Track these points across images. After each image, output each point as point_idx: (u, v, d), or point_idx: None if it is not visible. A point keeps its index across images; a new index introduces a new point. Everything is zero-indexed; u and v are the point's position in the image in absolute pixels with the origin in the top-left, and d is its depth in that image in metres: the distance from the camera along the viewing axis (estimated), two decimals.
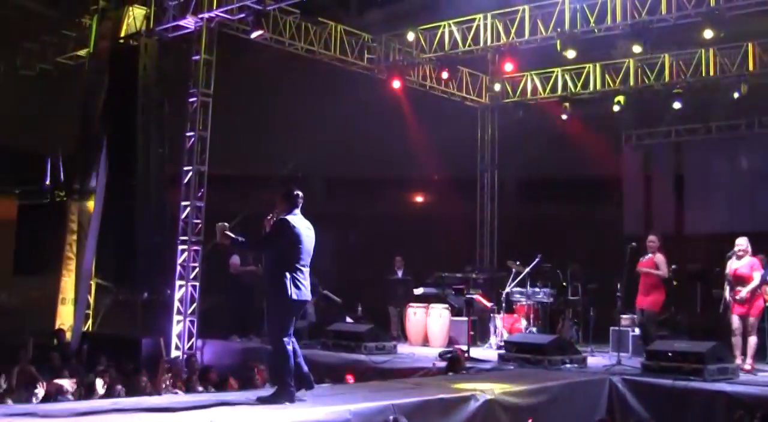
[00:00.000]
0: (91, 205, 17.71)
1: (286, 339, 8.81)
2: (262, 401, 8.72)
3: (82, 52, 18.71)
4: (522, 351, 13.63)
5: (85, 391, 10.94)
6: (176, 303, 15.79)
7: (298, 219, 8.92)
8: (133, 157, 15.77)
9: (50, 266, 18.76)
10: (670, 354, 12.07)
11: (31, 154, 20.99)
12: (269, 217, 8.94)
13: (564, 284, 17.11)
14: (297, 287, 8.79)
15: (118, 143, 16.39)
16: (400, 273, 18.98)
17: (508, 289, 16.71)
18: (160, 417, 7.99)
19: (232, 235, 8.80)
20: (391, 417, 8.10)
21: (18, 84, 20.62)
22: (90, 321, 18.02)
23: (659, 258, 14.02)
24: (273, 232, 8.87)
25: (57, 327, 17.77)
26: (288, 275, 8.74)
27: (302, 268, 8.87)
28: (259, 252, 8.69)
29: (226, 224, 8.73)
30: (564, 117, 20.39)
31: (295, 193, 9.04)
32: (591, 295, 16.35)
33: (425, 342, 17.35)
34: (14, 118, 20.39)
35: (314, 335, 16.23)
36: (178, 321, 15.79)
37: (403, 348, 16.20)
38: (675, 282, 15.10)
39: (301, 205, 9.02)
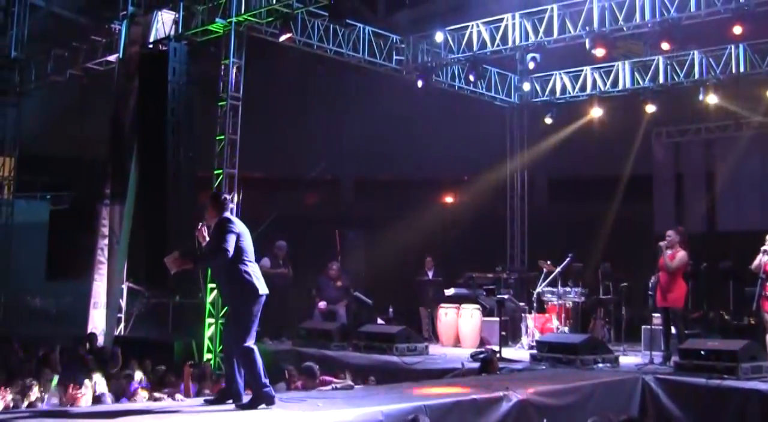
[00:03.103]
0: (122, 209, 17.81)
1: (251, 340, 8.49)
2: (241, 407, 8.46)
3: (112, 58, 18.83)
4: (554, 351, 13.58)
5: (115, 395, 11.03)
6: (208, 307, 15.85)
7: (234, 218, 8.73)
8: (163, 161, 15.82)
9: (82, 271, 18.88)
10: (702, 352, 11.98)
11: (63, 160, 21.20)
12: (200, 227, 8.59)
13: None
14: (258, 278, 8.60)
15: (149, 147, 16.46)
16: (430, 274, 18.97)
17: (539, 289, 16.67)
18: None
19: (183, 260, 8.46)
20: (410, 417, 8.04)
21: (49, 90, 20.79)
22: (122, 325, 18.15)
23: (680, 254, 13.86)
24: (221, 233, 8.49)
25: (89, 331, 17.88)
26: (246, 268, 8.53)
27: (253, 263, 8.66)
28: (222, 259, 8.42)
29: (176, 252, 8.44)
30: (594, 115, 20.32)
31: (224, 196, 8.92)
32: (622, 294, 16.23)
33: (457, 342, 17.31)
34: (45, 123, 20.58)
35: (345, 337, 16.22)
36: (210, 325, 15.85)
37: (434, 349, 16.14)
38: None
39: (230, 208, 8.86)
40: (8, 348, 14.95)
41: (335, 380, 11.42)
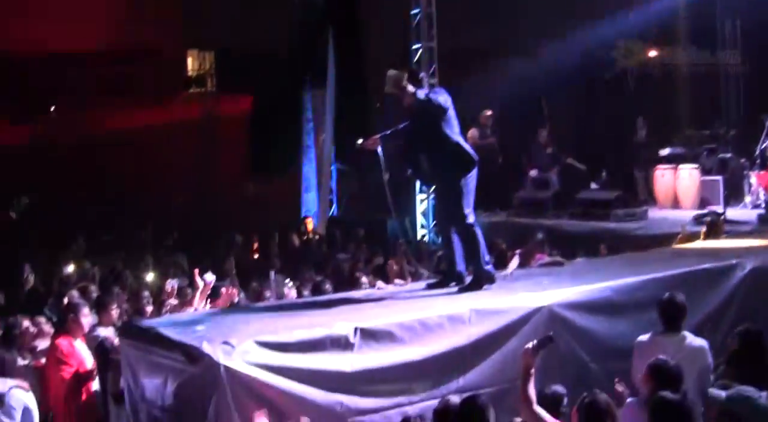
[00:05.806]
0: (323, 93, 17.88)
1: (472, 215, 8.03)
2: (464, 289, 8.05)
3: None
4: None
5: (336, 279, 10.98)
6: (417, 183, 15.75)
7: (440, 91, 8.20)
8: (359, 41, 15.73)
9: (290, 156, 19.15)
10: None
11: (259, 53, 21.22)
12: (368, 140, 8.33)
13: None
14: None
15: (343, 30, 16.40)
16: (643, 134, 18.20)
17: (763, 145, 15.68)
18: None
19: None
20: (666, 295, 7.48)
21: None
22: (334, 207, 18.40)
23: None
24: (433, 100, 7.85)
25: (303, 215, 18.21)
26: (459, 137, 8.08)
27: None
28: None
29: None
30: None
31: (421, 73, 8.32)
32: None
33: (675, 204, 16.60)
34: (241, 20, 20.60)
35: (560, 205, 15.83)
36: (422, 200, 15.83)
37: (653, 213, 15.58)
38: None
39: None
40: (230, 241, 15.28)
41: (546, 256, 11.03)
